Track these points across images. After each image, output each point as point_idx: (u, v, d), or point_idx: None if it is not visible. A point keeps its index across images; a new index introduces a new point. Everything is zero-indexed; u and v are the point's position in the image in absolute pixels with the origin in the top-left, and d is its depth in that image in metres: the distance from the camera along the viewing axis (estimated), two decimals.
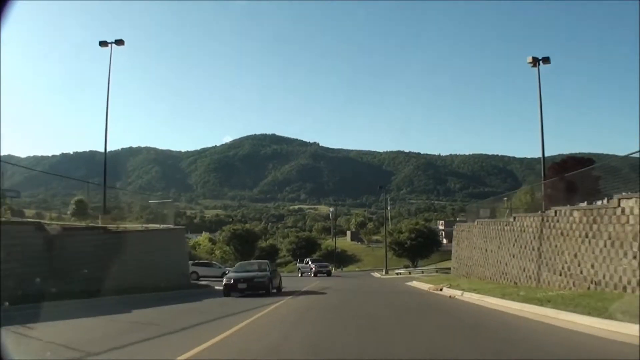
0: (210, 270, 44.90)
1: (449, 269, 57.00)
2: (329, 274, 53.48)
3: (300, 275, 55.54)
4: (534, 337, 9.00)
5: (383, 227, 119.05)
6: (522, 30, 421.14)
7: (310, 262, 57.27)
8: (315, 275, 51.62)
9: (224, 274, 40.28)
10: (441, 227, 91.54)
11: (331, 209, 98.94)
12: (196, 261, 47.29)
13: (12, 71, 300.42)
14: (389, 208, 68.24)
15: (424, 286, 28.74)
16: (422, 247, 62.43)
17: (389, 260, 74.97)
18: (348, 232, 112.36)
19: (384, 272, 62.44)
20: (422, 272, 55.41)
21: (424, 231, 63.80)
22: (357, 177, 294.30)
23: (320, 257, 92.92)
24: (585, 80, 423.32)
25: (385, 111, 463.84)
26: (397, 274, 58.37)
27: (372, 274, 67.02)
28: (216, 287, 31.50)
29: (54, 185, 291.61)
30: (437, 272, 54.77)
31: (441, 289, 25.22)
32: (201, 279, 40.56)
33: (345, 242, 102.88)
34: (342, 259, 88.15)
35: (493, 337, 9.21)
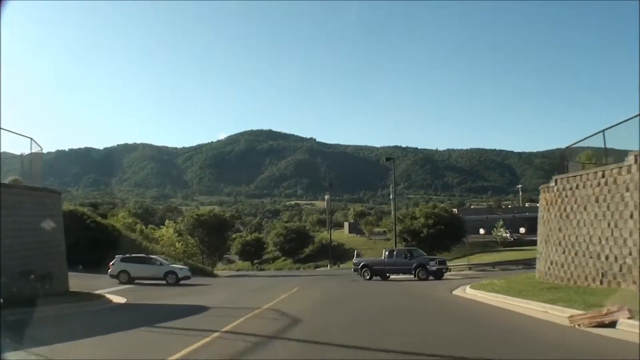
0: (147, 269, 29.82)
1: (491, 265, 39.90)
2: (440, 275, 30.07)
3: (368, 277, 30.79)
4: None
5: (384, 220, 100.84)
6: (521, 28, 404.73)
7: (408, 255, 31.28)
8: (425, 278, 28.77)
9: (168, 274, 29.18)
10: None
11: (326, 196, 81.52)
12: (126, 255, 30.81)
13: (8, 67, 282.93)
14: (393, 189, 51.07)
15: (522, 306, 11.79)
16: (444, 237, 45.43)
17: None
18: (346, 224, 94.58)
19: None
20: (450, 270, 38.28)
21: (445, 216, 46.78)
22: (354, 173, 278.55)
23: (313, 251, 75.96)
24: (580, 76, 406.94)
25: (382, 106, 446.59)
26: None
27: None
28: (115, 301, 18.08)
29: (48, 182, 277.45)
30: (470, 269, 37.75)
31: (612, 322, 8.32)
32: (136, 281, 28.93)
33: (342, 235, 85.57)
34: (338, 254, 71.10)
35: None
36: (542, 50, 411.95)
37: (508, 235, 69.85)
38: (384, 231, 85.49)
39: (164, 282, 28.87)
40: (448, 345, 7.21)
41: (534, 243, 58.64)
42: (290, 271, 65.55)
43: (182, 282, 29.48)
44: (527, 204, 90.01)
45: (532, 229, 75.11)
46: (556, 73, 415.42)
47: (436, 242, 45.92)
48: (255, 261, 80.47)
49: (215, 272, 55.45)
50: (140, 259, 31.22)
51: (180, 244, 49.75)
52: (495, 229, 67.03)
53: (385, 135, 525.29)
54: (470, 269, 37.64)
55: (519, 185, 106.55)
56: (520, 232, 74.78)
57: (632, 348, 6.54)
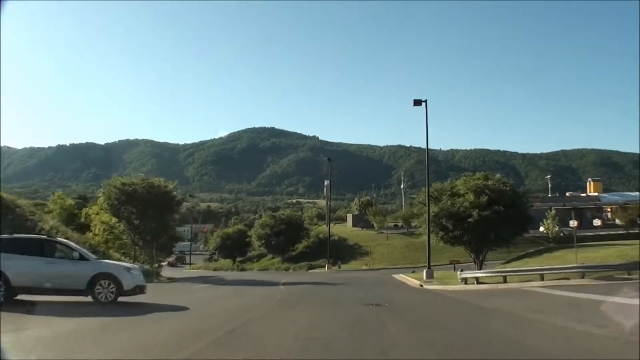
0: (49, 269, 11.79)
1: (615, 268, 20.98)
2: None
3: None
4: None
5: (387, 217, 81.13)
6: (525, 28, 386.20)
7: None
8: None
9: (99, 279, 11.86)
10: None
11: (325, 181, 63.46)
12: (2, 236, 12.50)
13: (9, 63, 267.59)
14: (427, 139, 32.54)
15: None
16: (504, 225, 27.21)
17: (420, 252, 43.39)
18: (349, 216, 75.59)
19: (425, 276, 27.19)
20: (542, 279, 20.00)
21: (506, 192, 28.17)
22: (357, 172, 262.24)
23: (307, 248, 57.67)
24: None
25: (385, 105, 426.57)
26: (465, 280, 22.80)
27: (397, 277, 31.80)
28: None
29: (48, 177, 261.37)
30: (583, 276, 19.44)
31: None
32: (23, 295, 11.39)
33: (344, 228, 67.09)
34: (340, 251, 52.96)
35: None
36: (548, 50, 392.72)
37: (556, 229, 51.74)
38: (395, 225, 67.19)
39: (85, 295, 12.01)
40: None
41: (595, 239, 39.00)
42: (276, 273, 47.53)
43: (129, 296, 12.41)
44: (567, 194, 71.60)
45: (584, 222, 56.23)
46: (561, 74, 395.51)
47: (491, 231, 27.78)
48: (238, 259, 62.54)
49: (161, 272, 37.32)
50: (34, 243, 12.88)
51: (101, 229, 31.60)
52: (545, 221, 48.82)
53: (388, 134, 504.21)
54: (583, 275, 19.49)
55: (548, 176, 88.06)
56: (571, 225, 56.41)
57: None
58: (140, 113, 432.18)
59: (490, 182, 29.32)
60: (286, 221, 55.52)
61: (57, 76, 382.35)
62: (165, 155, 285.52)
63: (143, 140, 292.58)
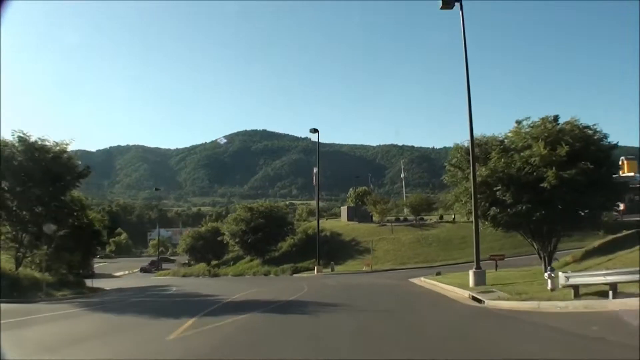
0: None
1: None
2: None
3: None
4: None
5: (391, 209, 67.36)
6: (517, 27, 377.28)
7: None
8: None
9: None
10: None
11: (315, 169, 51.97)
12: None
13: (3, 69, 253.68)
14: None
15: None
16: (596, 193, 15.82)
17: (435, 247, 32.57)
18: (343, 209, 62.48)
19: (472, 281, 15.46)
20: None
21: (593, 141, 16.76)
22: (350, 172, 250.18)
23: (293, 246, 45.70)
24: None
25: (378, 105, 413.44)
26: (576, 289, 11.05)
27: (418, 282, 20.05)
28: None
29: None
30: None
31: None
32: None
33: (338, 223, 55.01)
34: (333, 249, 41.31)
35: None
36: (540, 49, 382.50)
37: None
38: (397, 218, 55.43)
39: None
40: None
41: None
42: (249, 279, 35.74)
43: None
44: None
45: (634, 206, 43.69)
46: (554, 72, 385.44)
47: (579, 203, 16.15)
48: (213, 262, 50.57)
49: (89, 281, 25.40)
50: None
51: None
52: None
53: (381, 133, 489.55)
54: None
55: None
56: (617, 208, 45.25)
57: None
58: (131, 119, 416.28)
59: (567, 126, 17.53)
60: (265, 214, 43.39)
61: (47, 82, 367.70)
62: (156, 160, 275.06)
63: (134, 145, 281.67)
